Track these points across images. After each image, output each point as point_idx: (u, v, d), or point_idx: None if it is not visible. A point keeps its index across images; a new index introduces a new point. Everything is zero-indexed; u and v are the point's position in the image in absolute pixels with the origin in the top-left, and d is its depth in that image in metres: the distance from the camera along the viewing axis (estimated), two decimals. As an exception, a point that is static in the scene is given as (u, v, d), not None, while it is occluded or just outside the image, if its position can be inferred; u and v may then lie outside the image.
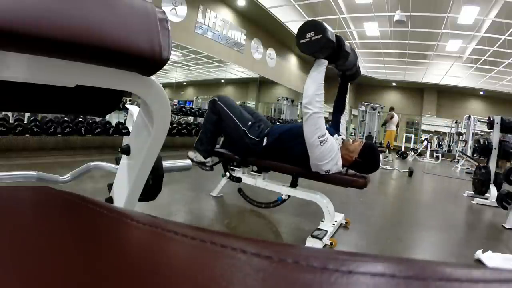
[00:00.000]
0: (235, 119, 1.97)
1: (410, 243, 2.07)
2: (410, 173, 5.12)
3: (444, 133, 14.09)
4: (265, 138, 1.92)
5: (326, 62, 1.71)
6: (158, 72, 0.43)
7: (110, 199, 0.63)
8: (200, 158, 2.07)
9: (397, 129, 8.83)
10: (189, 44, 7.84)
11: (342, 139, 1.91)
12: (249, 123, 1.98)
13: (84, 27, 0.34)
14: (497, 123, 3.32)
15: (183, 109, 5.76)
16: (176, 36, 6.99)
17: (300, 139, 1.72)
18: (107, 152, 3.86)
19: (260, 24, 9.85)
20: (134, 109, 0.94)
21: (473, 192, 3.68)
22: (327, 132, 1.68)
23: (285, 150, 1.85)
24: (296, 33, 1.76)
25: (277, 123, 2.02)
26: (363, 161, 1.77)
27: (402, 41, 10.31)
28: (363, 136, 9.56)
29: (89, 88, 0.42)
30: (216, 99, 2.02)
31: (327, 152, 1.68)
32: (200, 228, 0.21)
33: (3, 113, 3.37)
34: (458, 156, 8.79)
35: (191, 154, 2.10)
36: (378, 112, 9.65)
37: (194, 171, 2.22)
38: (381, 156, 4.95)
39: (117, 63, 0.39)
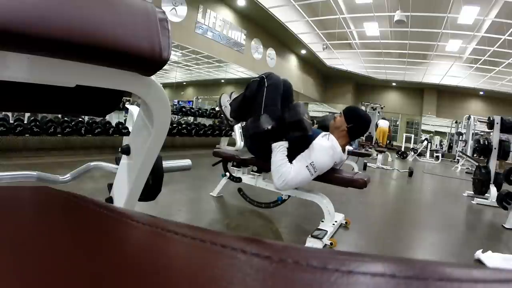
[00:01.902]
0: (262, 111, 1.83)
1: (410, 243, 2.07)
2: (410, 173, 5.13)
3: (444, 133, 14.12)
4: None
5: (274, 144, 1.69)
6: (158, 72, 0.43)
7: (110, 199, 0.64)
8: (228, 111, 2.02)
9: (390, 129, 8.85)
10: (189, 44, 7.84)
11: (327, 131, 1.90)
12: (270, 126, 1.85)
13: (84, 27, 0.34)
14: (497, 123, 3.32)
15: (183, 109, 5.77)
16: (176, 36, 7.00)
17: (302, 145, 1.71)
18: (107, 152, 3.86)
19: (260, 24, 9.85)
20: (134, 109, 0.94)
21: (473, 192, 3.68)
22: (307, 162, 1.64)
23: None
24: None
25: None
26: (354, 124, 1.80)
27: (402, 41, 10.32)
28: (363, 136, 9.55)
29: (89, 88, 0.42)
30: (265, 83, 1.86)
31: (325, 161, 1.67)
32: (200, 228, 0.21)
33: (3, 113, 3.37)
34: (458, 156, 8.79)
35: (224, 97, 2.02)
36: (378, 112, 9.64)
37: (194, 171, 2.23)
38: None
39: (117, 63, 0.39)
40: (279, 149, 1.71)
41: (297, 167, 1.66)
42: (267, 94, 1.85)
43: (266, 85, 1.86)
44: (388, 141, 8.41)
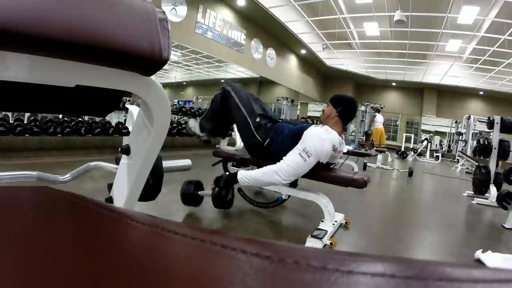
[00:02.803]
0: (244, 111, 1.91)
1: (410, 243, 2.07)
2: (410, 173, 5.13)
3: (444, 133, 14.12)
4: (267, 140, 1.90)
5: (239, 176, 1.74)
6: (158, 72, 0.43)
7: (110, 199, 0.64)
8: (197, 130, 2.10)
9: (384, 128, 8.88)
10: (189, 44, 7.84)
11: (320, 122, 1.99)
12: (257, 119, 1.93)
13: (84, 27, 0.34)
14: (497, 123, 3.32)
15: (183, 109, 5.76)
16: (176, 36, 6.99)
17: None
18: (107, 152, 3.86)
19: (260, 24, 9.85)
20: (134, 109, 0.95)
21: (473, 192, 3.68)
22: (300, 150, 1.66)
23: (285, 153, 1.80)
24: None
25: (279, 123, 2.03)
26: (343, 107, 1.85)
27: (402, 41, 10.32)
28: (362, 136, 9.56)
29: (89, 88, 0.42)
30: (229, 90, 1.96)
31: (320, 144, 1.66)
32: (200, 228, 0.21)
33: (3, 113, 3.37)
34: (458, 156, 8.79)
35: (192, 122, 2.11)
36: (378, 112, 9.64)
37: (194, 171, 2.23)
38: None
39: (117, 63, 0.39)
40: (244, 171, 1.77)
41: (290, 157, 1.67)
42: (238, 96, 1.93)
43: (231, 89, 1.95)
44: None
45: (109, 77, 0.40)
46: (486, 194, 3.41)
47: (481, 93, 14.14)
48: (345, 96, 1.96)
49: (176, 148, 5.05)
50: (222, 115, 2.04)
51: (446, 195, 4.10)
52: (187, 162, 0.84)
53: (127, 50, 0.37)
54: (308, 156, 1.64)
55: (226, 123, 2.18)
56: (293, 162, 1.65)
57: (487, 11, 7.72)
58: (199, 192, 1.97)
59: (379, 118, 8.75)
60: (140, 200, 0.59)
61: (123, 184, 0.58)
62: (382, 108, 10.03)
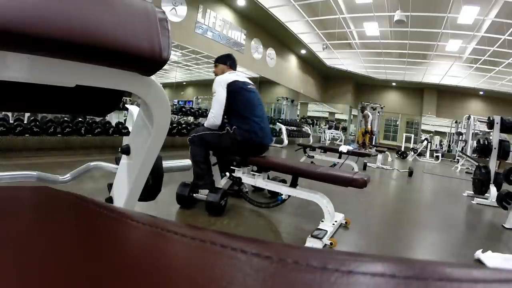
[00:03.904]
0: (209, 131, 2.14)
1: (410, 243, 2.07)
2: (410, 173, 5.13)
3: (444, 133, 14.11)
4: (228, 125, 2.15)
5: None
6: (158, 72, 0.43)
7: (110, 199, 0.64)
8: (205, 192, 2.11)
9: (372, 124, 8.96)
10: (189, 44, 7.84)
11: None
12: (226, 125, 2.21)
13: (84, 27, 0.34)
14: (497, 123, 3.32)
15: (183, 109, 5.77)
16: (176, 36, 6.99)
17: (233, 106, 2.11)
18: (107, 152, 3.86)
19: (260, 24, 9.85)
20: (134, 109, 0.95)
21: (473, 192, 3.68)
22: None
23: (234, 116, 2.12)
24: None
25: None
26: (230, 61, 2.32)
27: (402, 41, 10.31)
28: (362, 135, 9.56)
29: (89, 88, 0.42)
30: (192, 134, 2.21)
31: (216, 85, 2.12)
32: (200, 228, 0.21)
33: (3, 113, 3.36)
34: (458, 156, 8.78)
35: (203, 191, 2.15)
36: (378, 112, 9.65)
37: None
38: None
39: (117, 63, 0.39)
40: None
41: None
42: (204, 130, 2.18)
43: (195, 133, 2.18)
44: (371, 132, 8.49)
45: (109, 77, 0.40)
46: (486, 194, 3.40)
47: (481, 93, 14.14)
48: (224, 54, 2.43)
49: (176, 148, 5.05)
50: (206, 160, 2.18)
51: (446, 195, 4.10)
52: (187, 162, 0.84)
53: (127, 50, 0.37)
54: (215, 92, 2.11)
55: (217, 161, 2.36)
56: (212, 104, 2.14)
57: (487, 11, 7.72)
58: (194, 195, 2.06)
59: (370, 118, 8.76)
60: (140, 200, 0.59)
61: (123, 184, 0.58)
62: (382, 108, 10.03)
